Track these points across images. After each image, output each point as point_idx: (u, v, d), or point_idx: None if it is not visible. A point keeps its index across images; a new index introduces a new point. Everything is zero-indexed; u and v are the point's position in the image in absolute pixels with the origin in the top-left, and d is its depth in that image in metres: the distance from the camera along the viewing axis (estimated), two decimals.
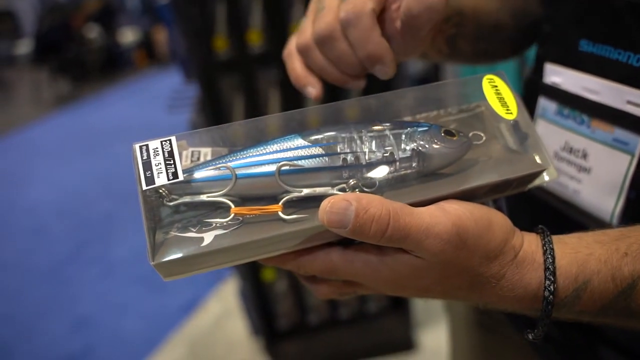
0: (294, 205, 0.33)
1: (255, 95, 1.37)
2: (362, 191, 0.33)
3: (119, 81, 5.89)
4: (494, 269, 0.33)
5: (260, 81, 1.36)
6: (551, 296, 0.32)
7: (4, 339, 2.20)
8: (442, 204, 0.33)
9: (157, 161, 0.31)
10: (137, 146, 0.32)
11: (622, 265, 0.32)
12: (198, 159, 0.35)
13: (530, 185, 0.39)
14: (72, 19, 5.67)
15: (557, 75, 0.48)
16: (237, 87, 1.35)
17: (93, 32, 5.88)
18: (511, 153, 0.39)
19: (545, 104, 0.50)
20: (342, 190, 0.33)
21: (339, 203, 0.29)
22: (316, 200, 0.31)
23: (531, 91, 0.52)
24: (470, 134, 0.37)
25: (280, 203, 0.32)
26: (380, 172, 0.34)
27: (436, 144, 0.35)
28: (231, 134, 0.36)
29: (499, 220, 0.33)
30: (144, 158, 0.31)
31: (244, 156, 0.34)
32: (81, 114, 5.05)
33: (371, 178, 0.34)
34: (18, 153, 4.32)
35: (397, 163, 0.34)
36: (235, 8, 1.25)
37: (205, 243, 0.30)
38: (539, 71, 0.51)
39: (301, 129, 0.35)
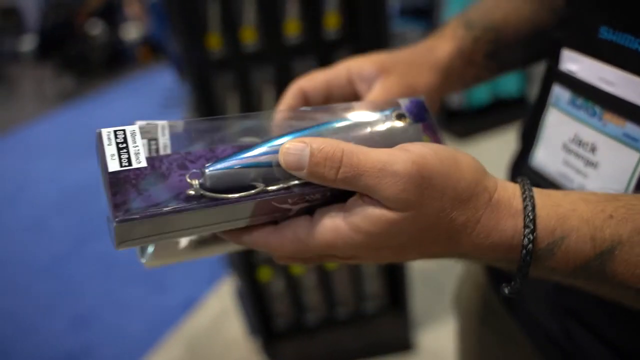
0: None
1: (250, 93, 1.36)
2: None
3: (122, 77, 5.89)
4: (469, 212, 0.31)
5: (254, 79, 1.34)
6: (530, 245, 0.30)
7: (4, 336, 2.21)
8: (405, 144, 0.31)
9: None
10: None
11: (604, 227, 0.31)
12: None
13: None
14: (76, 16, 5.68)
15: (573, 63, 0.46)
16: (231, 86, 1.33)
17: (96, 28, 5.88)
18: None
19: (559, 92, 0.48)
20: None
21: (296, 144, 0.30)
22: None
23: (546, 78, 0.51)
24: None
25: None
26: None
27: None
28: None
29: (467, 159, 0.32)
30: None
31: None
32: (85, 110, 5.06)
33: None
34: (21, 149, 4.33)
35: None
36: (229, 5, 1.24)
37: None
38: (555, 57, 0.49)
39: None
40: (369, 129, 0.34)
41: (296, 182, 0.32)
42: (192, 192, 0.31)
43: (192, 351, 1.96)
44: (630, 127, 0.40)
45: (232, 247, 0.42)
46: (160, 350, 1.98)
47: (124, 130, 0.32)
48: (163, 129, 0.33)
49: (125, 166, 0.30)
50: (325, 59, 1.32)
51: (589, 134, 0.45)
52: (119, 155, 0.31)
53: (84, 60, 5.72)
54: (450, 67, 0.53)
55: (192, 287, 2.27)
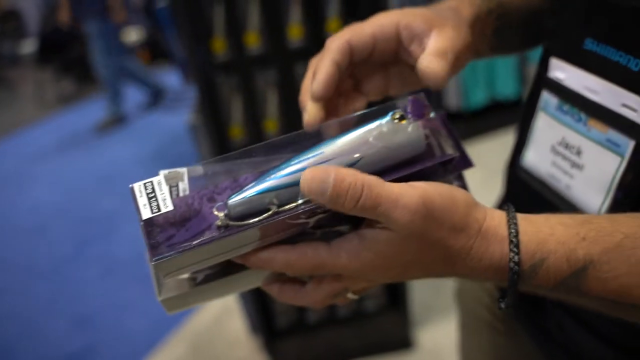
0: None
1: (254, 96, 1.39)
2: None
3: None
4: (462, 241, 0.35)
5: (258, 82, 1.37)
6: (516, 266, 0.35)
7: (6, 338, 2.23)
8: (411, 182, 0.35)
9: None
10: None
11: (577, 249, 0.35)
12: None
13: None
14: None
15: (560, 71, 0.49)
16: (236, 88, 1.37)
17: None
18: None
19: (547, 98, 0.52)
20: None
21: (320, 173, 0.33)
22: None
23: (536, 83, 0.54)
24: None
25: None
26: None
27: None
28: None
29: (461, 195, 0.36)
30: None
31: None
32: (85, 113, 5.07)
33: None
34: (21, 152, 4.35)
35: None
36: (233, 10, 1.27)
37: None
38: (544, 64, 0.52)
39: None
40: (372, 140, 0.37)
41: (305, 199, 0.35)
42: (219, 223, 0.35)
43: (194, 350, 1.98)
44: (612, 134, 0.44)
45: (249, 283, 0.45)
46: (163, 350, 2.00)
47: (151, 181, 0.36)
48: (183, 175, 0.38)
49: (155, 212, 0.35)
50: None
51: (575, 138, 0.48)
52: (150, 203, 0.36)
53: (84, 63, 5.74)
54: (473, 32, 0.51)
55: None
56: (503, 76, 3.17)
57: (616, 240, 0.34)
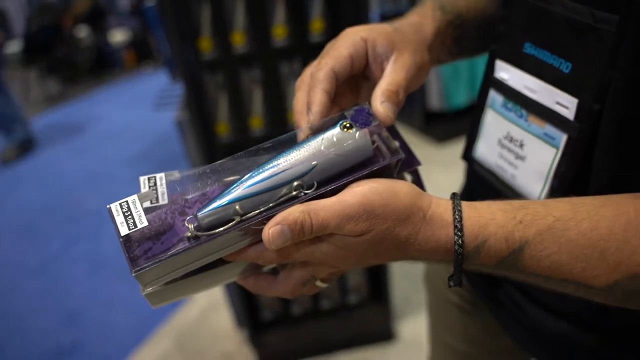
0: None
1: (239, 94, 1.43)
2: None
3: (108, 81, 5.91)
4: (409, 228, 0.40)
5: (244, 80, 1.42)
6: (460, 248, 0.39)
7: None
8: (352, 186, 0.40)
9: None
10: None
11: (515, 231, 0.39)
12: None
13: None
14: (62, 19, 5.68)
15: (504, 72, 0.55)
16: (222, 86, 1.41)
17: (83, 32, 5.89)
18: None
19: (494, 96, 0.57)
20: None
21: (275, 231, 0.38)
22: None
23: (484, 83, 0.59)
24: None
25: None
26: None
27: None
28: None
29: (403, 188, 0.40)
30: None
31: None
32: (70, 113, 5.07)
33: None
34: None
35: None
36: (220, 10, 1.31)
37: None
38: (491, 66, 0.57)
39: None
40: (324, 149, 0.41)
41: (267, 206, 0.40)
42: (189, 234, 0.40)
43: (180, 344, 2.01)
44: (549, 128, 0.49)
45: (227, 277, 0.50)
46: (150, 344, 2.03)
47: (127, 201, 0.40)
48: (161, 179, 0.43)
49: (132, 229, 0.39)
50: (310, 62, 1.39)
51: (518, 133, 0.53)
52: (127, 221, 0.39)
53: (70, 64, 5.72)
54: (433, 46, 0.57)
55: None
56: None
57: (548, 222, 0.39)
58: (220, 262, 0.44)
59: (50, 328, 2.23)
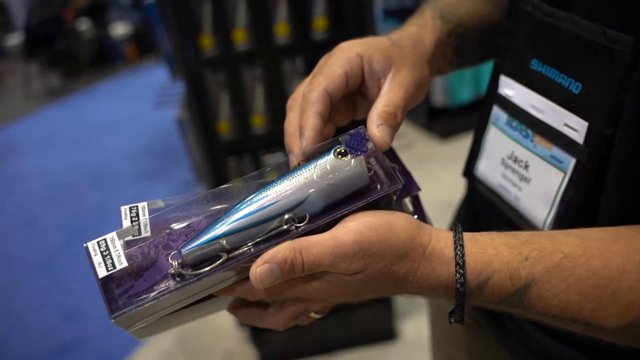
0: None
1: (241, 92, 1.41)
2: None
3: (109, 75, 5.89)
4: (407, 265, 0.37)
5: (245, 78, 1.40)
6: (462, 287, 0.37)
7: None
8: (346, 221, 0.37)
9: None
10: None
11: (520, 268, 0.37)
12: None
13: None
14: (63, 12, 5.66)
15: (509, 88, 0.51)
16: (223, 84, 1.39)
17: (84, 25, 5.87)
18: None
19: (497, 113, 0.54)
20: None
21: (264, 271, 0.36)
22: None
23: (488, 98, 0.56)
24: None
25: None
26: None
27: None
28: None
29: (400, 222, 0.38)
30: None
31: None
32: (72, 107, 5.06)
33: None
34: (9, 146, 4.33)
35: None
36: (221, 7, 1.29)
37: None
38: (495, 81, 0.54)
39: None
40: (317, 179, 0.38)
41: (255, 241, 0.37)
42: (172, 272, 0.36)
43: (182, 342, 2.00)
44: (556, 151, 0.46)
45: (215, 309, 0.47)
46: (151, 342, 2.02)
47: (105, 239, 0.37)
48: (143, 209, 0.40)
49: (110, 270, 0.35)
50: (312, 60, 1.37)
51: (523, 153, 0.50)
52: (105, 262, 0.36)
53: (71, 57, 5.71)
54: (433, 58, 0.53)
55: None
56: (488, 73, 3.20)
57: (556, 259, 0.37)
58: (208, 296, 0.41)
59: (52, 325, 2.23)
